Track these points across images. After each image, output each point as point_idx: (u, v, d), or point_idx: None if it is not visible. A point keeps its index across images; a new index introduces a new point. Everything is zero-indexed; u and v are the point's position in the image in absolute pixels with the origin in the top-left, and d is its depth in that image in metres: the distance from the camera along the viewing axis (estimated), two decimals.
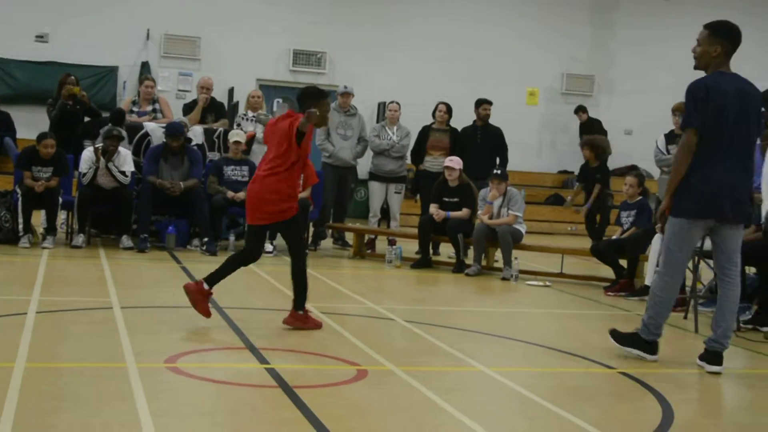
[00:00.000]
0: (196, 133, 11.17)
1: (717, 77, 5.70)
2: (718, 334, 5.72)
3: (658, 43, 18.99)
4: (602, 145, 11.27)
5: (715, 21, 5.81)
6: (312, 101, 6.17)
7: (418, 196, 11.91)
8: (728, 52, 5.77)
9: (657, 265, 8.17)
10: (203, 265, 9.20)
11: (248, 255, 6.38)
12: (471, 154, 11.10)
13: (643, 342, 5.90)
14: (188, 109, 11.70)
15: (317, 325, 6.26)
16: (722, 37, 5.75)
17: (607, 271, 9.41)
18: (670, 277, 5.78)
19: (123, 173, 9.98)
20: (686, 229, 5.69)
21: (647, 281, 8.51)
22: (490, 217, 9.94)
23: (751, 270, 7.74)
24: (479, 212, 10.08)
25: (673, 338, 7.02)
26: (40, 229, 10.06)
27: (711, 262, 8.07)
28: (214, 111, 11.69)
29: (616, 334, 6.03)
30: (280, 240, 10.54)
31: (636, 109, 18.99)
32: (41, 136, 9.94)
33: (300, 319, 6.22)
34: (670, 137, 10.84)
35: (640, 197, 9.32)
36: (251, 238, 6.42)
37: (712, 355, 5.72)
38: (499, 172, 10.09)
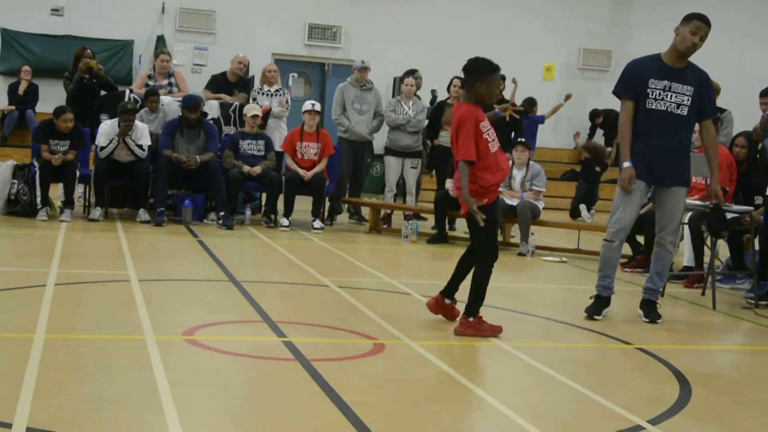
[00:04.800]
0: (212, 108, 11.17)
1: None
2: None
3: (678, 18, 18.73)
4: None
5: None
6: (480, 77, 5.50)
7: (433, 172, 11.85)
8: None
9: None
10: (219, 239, 9.23)
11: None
12: None
13: (608, 300, 6.45)
14: (214, 81, 11.68)
15: (496, 331, 5.62)
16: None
17: (624, 248, 9.34)
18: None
19: (140, 147, 10.00)
20: None
21: None
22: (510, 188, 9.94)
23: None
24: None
25: (691, 314, 7.00)
26: (57, 203, 10.10)
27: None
28: (243, 86, 11.70)
29: (592, 311, 6.35)
30: (295, 215, 10.59)
31: None
32: (59, 110, 9.92)
33: (472, 326, 5.61)
34: None
35: None
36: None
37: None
38: (522, 139, 10.06)
